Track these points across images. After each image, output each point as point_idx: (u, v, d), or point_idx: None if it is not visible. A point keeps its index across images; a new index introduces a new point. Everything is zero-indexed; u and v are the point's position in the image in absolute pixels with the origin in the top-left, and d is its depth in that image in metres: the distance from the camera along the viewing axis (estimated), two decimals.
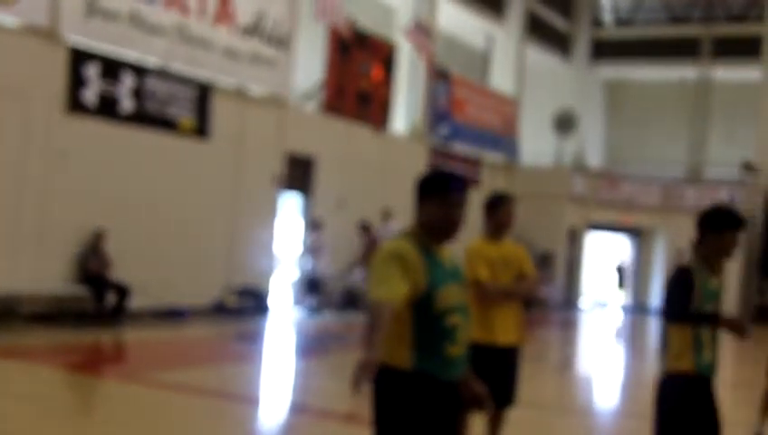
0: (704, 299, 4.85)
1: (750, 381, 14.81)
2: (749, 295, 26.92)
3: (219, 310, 16.07)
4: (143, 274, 14.35)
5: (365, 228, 18.78)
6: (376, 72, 20.30)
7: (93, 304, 13.68)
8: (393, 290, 3.66)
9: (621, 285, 29.77)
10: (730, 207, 5.09)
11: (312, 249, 18.42)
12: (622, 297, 29.60)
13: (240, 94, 16.70)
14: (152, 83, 14.75)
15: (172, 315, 14.87)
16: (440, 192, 3.93)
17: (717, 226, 4.94)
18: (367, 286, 3.77)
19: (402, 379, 3.78)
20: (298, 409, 9.28)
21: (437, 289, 3.81)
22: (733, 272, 26.82)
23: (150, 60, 14.81)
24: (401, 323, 3.76)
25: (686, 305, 4.79)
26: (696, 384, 4.89)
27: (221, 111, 16.08)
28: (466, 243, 6.05)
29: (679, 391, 4.88)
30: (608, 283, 29.68)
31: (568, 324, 22.93)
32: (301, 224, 18.95)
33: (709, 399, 4.92)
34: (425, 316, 3.79)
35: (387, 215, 19.44)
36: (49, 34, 13.23)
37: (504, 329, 6.19)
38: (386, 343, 3.67)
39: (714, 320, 4.80)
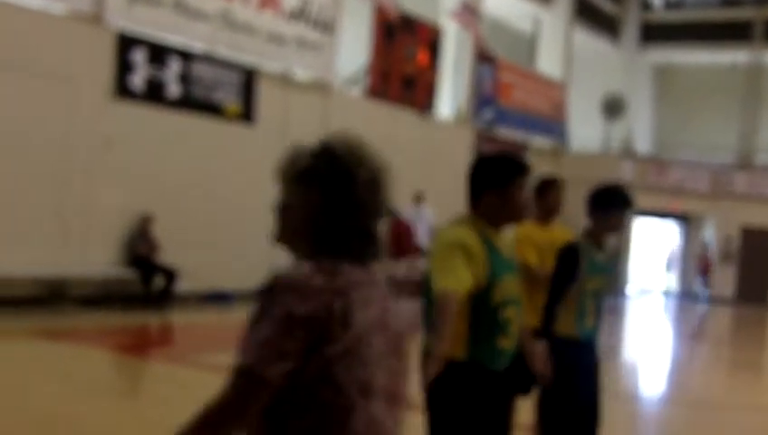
0: (588, 273, 5.18)
1: (752, 363, 14.59)
2: None
3: None
4: (190, 257, 14.44)
5: (392, 214, 18.70)
6: (421, 56, 20.19)
7: (141, 288, 13.81)
8: (459, 280, 3.60)
9: (667, 271, 29.50)
10: (618, 187, 5.39)
11: None
12: (670, 284, 29.29)
13: (285, 79, 16.71)
14: (198, 68, 14.81)
15: (219, 299, 14.96)
16: (503, 178, 3.84)
17: (605, 204, 5.24)
18: (430, 274, 3.70)
19: (456, 369, 3.73)
20: None
21: (497, 280, 3.74)
22: None
23: (196, 45, 14.87)
24: (458, 315, 3.70)
25: (562, 286, 5.14)
26: (577, 347, 5.21)
27: (266, 95, 16.10)
28: (516, 228, 5.97)
29: (562, 353, 5.08)
30: (656, 269, 29.39)
31: (615, 311, 22.75)
32: None
33: (590, 361, 5.28)
34: (482, 308, 3.73)
35: (419, 198, 19.35)
36: (95, 20, 13.32)
37: None
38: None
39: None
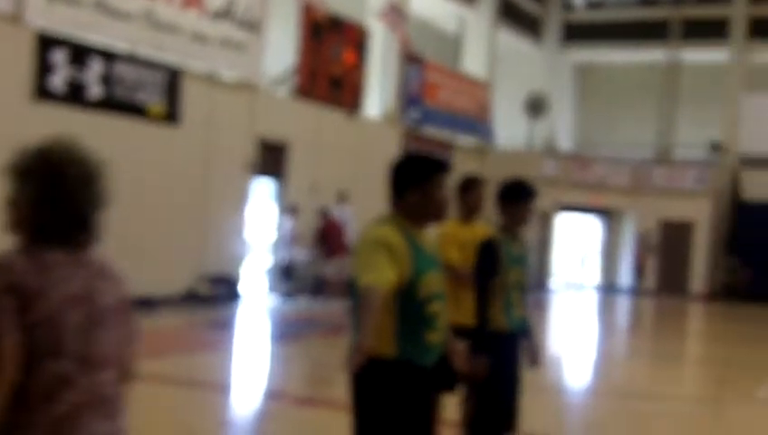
0: (508, 266, 5.39)
1: (715, 358, 14.99)
2: (716, 273, 27.20)
3: (191, 298, 16.00)
4: (114, 263, 14.23)
5: (323, 214, 18.81)
6: (348, 57, 20.23)
7: None
8: (382, 276, 3.65)
9: (583, 266, 30.04)
10: (524, 181, 5.58)
11: (287, 235, 18.39)
12: (592, 277, 29.81)
13: (211, 79, 16.60)
14: (121, 69, 14.62)
15: (142, 304, 14.77)
16: (424, 176, 3.92)
17: (513, 197, 5.47)
18: (354, 273, 3.75)
19: (385, 367, 3.78)
20: (273, 395, 9.28)
21: (421, 276, 3.81)
22: (700, 250, 27.11)
23: (118, 45, 14.67)
24: (384, 313, 3.76)
25: (487, 281, 5.33)
26: (509, 339, 5.43)
27: (191, 96, 15.97)
28: (439, 226, 6.06)
29: (496, 347, 5.29)
30: (573, 265, 29.89)
31: (539, 305, 23.06)
32: (274, 210, 18.90)
33: (514, 352, 5.49)
34: (408, 304, 3.80)
35: (343, 198, 19.43)
36: (14, 20, 13.07)
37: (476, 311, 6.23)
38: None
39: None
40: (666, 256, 27.76)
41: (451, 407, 6.52)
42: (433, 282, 3.88)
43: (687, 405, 10.03)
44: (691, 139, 29.30)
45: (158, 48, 15.30)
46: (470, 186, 6.36)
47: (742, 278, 25.63)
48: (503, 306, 5.42)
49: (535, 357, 5.72)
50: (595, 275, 29.92)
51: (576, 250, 30.08)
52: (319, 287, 18.77)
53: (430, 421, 4.01)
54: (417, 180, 3.90)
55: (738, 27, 28.63)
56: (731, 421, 9.11)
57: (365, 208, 18.12)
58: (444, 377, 4.44)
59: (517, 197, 5.49)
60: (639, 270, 27.73)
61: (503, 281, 5.39)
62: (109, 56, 14.40)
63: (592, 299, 26.45)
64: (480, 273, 5.43)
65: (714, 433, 8.42)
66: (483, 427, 5.54)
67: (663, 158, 29.50)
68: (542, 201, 26.25)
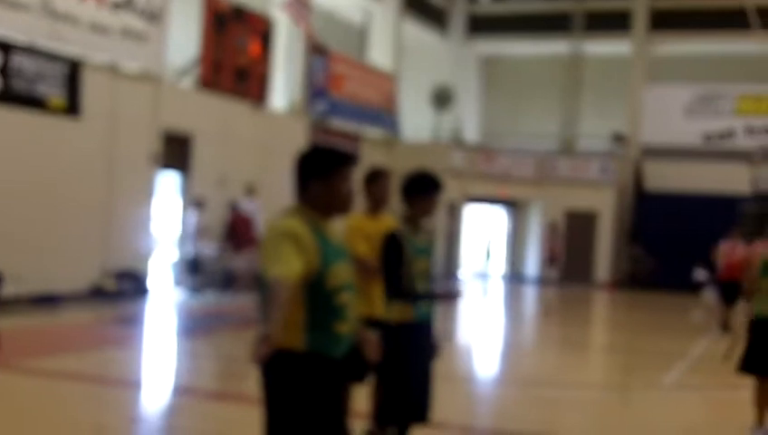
0: (413, 256, 5.46)
1: (620, 346, 15.36)
2: (620, 263, 27.85)
3: (97, 294, 15.70)
4: (14, 259, 13.86)
5: (232, 207, 18.68)
6: (253, 48, 20.06)
7: None
8: (290, 267, 3.63)
9: (488, 257, 30.46)
10: (429, 173, 5.64)
11: (193, 229, 18.17)
12: (499, 267, 30.22)
13: (112, 71, 16.27)
14: (19, 61, 14.22)
15: (47, 301, 14.45)
16: (328, 168, 3.92)
17: (418, 190, 5.54)
18: (261, 266, 3.73)
19: (295, 360, 3.77)
20: (182, 390, 9.17)
21: (329, 267, 3.81)
22: (605, 240, 27.74)
23: (16, 37, 14.26)
24: (293, 304, 3.74)
25: (400, 280, 5.40)
26: (414, 331, 5.51)
27: (92, 88, 15.63)
28: (345, 219, 6.06)
29: (400, 338, 5.42)
30: (480, 255, 30.28)
31: (448, 296, 23.28)
32: (180, 203, 18.65)
33: (426, 343, 5.60)
34: (316, 296, 3.79)
35: (251, 190, 19.31)
36: None
37: (384, 303, 6.26)
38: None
39: (431, 296, 5.62)
40: (570, 245, 28.33)
41: (361, 398, 6.54)
42: (341, 273, 3.88)
43: (595, 392, 10.25)
44: (595, 130, 29.93)
45: (56, 39, 14.92)
46: (376, 178, 6.38)
47: (645, 267, 26.29)
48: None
49: (437, 347, 5.77)
50: (501, 265, 30.34)
51: (482, 241, 30.45)
52: (227, 281, 18.61)
53: (341, 413, 4.01)
54: (321, 173, 3.90)
55: (640, 19, 29.32)
56: (638, 408, 9.33)
57: (273, 202, 18.05)
58: (354, 368, 4.45)
59: (422, 189, 5.54)
60: (550, 259, 28.21)
61: (408, 272, 5.43)
62: (6, 48, 13.99)
63: (499, 289, 26.81)
64: (386, 265, 5.48)
65: (622, 419, 8.62)
66: (389, 417, 5.58)
67: (567, 149, 30.07)
68: (449, 193, 26.55)
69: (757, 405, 7.41)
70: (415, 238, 5.55)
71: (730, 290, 18.34)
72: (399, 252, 5.44)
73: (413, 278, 5.46)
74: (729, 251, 18.32)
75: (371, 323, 5.83)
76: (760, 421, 7.40)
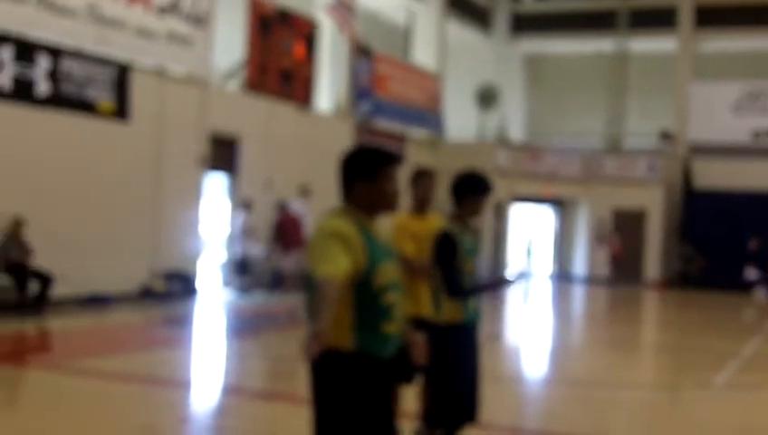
0: (464, 257, 5.45)
1: (671, 346, 15.19)
2: (670, 262, 27.53)
3: (146, 295, 15.87)
4: (65, 261, 14.08)
5: (281, 208, 18.75)
6: (298, 50, 20.15)
7: (15, 294, 13.38)
8: (338, 266, 3.64)
9: (530, 255, 30.21)
10: (478, 173, 5.64)
11: (240, 230, 18.29)
12: (546, 267, 30.02)
13: (160, 74, 16.44)
14: (68, 65, 14.43)
15: (97, 302, 14.64)
16: (373, 168, 3.92)
17: (468, 190, 5.55)
18: (309, 265, 3.74)
19: (343, 360, 3.78)
20: (231, 390, 9.23)
21: (376, 267, 3.81)
22: (654, 239, 27.45)
23: (64, 42, 14.46)
24: (342, 304, 3.75)
25: (460, 277, 5.39)
26: (463, 331, 5.53)
27: (140, 92, 15.81)
28: (392, 218, 6.06)
29: (451, 338, 5.48)
30: (522, 255, 30.06)
31: (495, 296, 23.20)
32: (227, 204, 18.79)
33: (474, 343, 5.59)
34: (364, 295, 3.79)
35: (305, 192, 19.41)
36: None
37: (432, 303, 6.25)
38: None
39: (486, 287, 5.83)
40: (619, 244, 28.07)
41: (410, 399, 6.53)
42: (388, 272, 3.88)
43: (645, 392, 10.13)
44: (641, 128, 29.63)
45: (103, 44, 15.10)
46: (421, 178, 6.38)
47: (695, 266, 25.96)
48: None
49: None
50: (549, 265, 30.14)
51: (528, 240, 30.26)
52: (276, 281, 18.71)
53: (390, 413, 4.01)
54: (366, 173, 3.90)
55: (685, 16, 28.98)
56: (689, 408, 9.22)
57: (319, 203, 18.11)
58: (402, 369, 4.44)
59: (471, 189, 5.55)
60: (616, 258, 27.75)
61: (461, 271, 5.43)
62: (56, 53, 14.20)
63: (547, 288, 26.65)
64: (442, 263, 5.45)
65: (672, 420, 8.51)
66: (439, 418, 5.58)
67: (614, 147, 29.80)
68: (496, 192, 26.46)
69: None
70: (463, 238, 5.54)
71: None
72: (454, 250, 5.43)
73: (463, 278, 5.45)
74: None
75: (419, 323, 5.83)
76: None
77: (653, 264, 27.56)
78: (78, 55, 14.63)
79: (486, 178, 5.64)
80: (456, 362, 5.44)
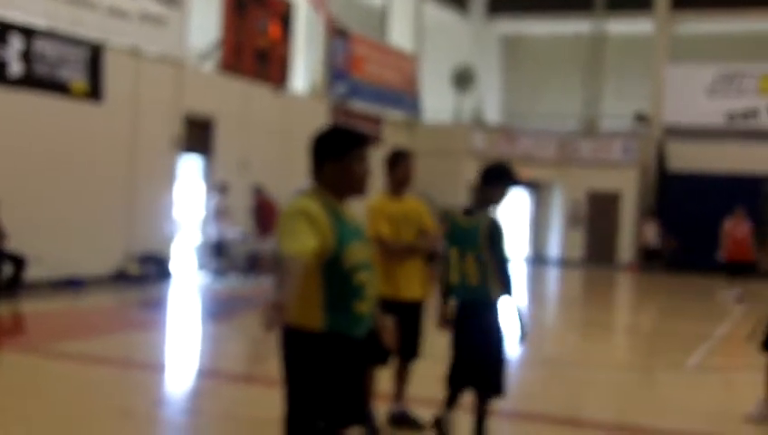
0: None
1: (644, 328, 15.30)
2: (644, 240, 27.65)
3: (121, 278, 15.80)
4: (39, 243, 13.98)
5: (256, 191, 18.64)
6: (273, 30, 20.04)
7: None
8: (304, 244, 3.65)
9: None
10: (505, 164, 6.13)
11: (216, 212, 18.21)
12: (521, 249, 30.10)
13: (134, 54, 16.30)
14: (41, 46, 14.28)
15: (71, 285, 14.55)
16: (344, 149, 3.91)
17: (488, 180, 6.00)
18: (276, 243, 3.74)
19: (314, 340, 3.79)
20: (206, 373, 9.22)
21: (345, 247, 3.82)
22: (628, 220, 27.60)
23: (38, 22, 14.31)
24: (311, 284, 3.76)
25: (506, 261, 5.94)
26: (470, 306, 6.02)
27: (114, 72, 15.68)
28: (368, 200, 6.06)
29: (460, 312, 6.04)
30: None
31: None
32: (202, 187, 18.69)
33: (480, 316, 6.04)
34: (334, 275, 3.80)
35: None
36: None
37: (408, 284, 6.27)
38: (296, 304, 3.65)
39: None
40: (593, 226, 28.20)
41: (385, 380, 6.56)
42: (358, 252, 3.88)
43: (618, 374, 10.22)
44: (617, 110, 29.70)
45: (77, 24, 14.95)
46: (397, 159, 6.37)
47: (666, 247, 26.06)
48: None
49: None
50: (524, 247, 30.21)
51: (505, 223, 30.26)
52: (251, 264, 18.66)
53: (361, 393, 4.02)
54: (336, 154, 3.90)
55: None
56: (663, 389, 9.30)
57: (294, 184, 18.04)
58: (376, 350, 4.46)
59: (494, 179, 5.99)
60: (648, 247, 26.46)
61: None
62: (29, 33, 14.05)
63: (522, 270, 26.74)
64: (498, 253, 5.90)
65: (647, 400, 8.58)
66: (451, 382, 6.07)
67: (590, 129, 29.87)
68: (470, 174, 26.38)
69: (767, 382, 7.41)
70: (460, 222, 6.00)
71: (735, 268, 18.29)
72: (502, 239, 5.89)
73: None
74: (731, 229, 18.25)
75: (394, 303, 5.85)
76: None
77: (627, 246, 27.71)
78: (51, 35, 14.48)
79: (509, 169, 6.07)
80: (460, 332, 6.02)
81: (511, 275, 5.93)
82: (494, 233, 5.85)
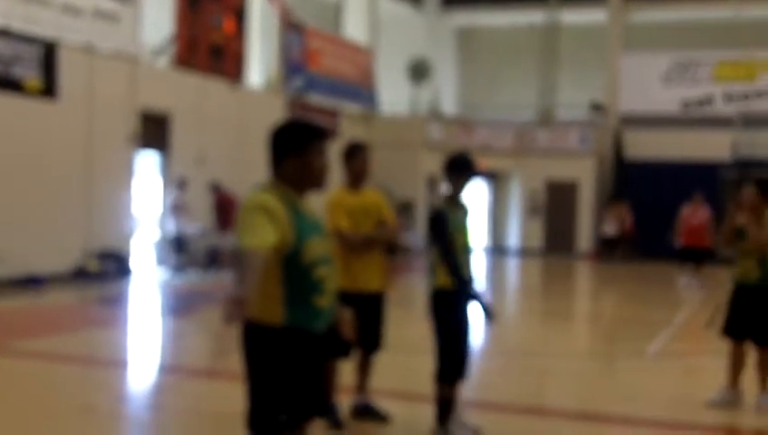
0: (455, 233, 6.01)
1: (604, 315, 15.48)
2: (601, 230, 27.90)
3: (80, 275, 15.68)
4: None
5: (214, 188, 18.54)
6: (228, 25, 19.96)
7: None
8: (264, 238, 3.66)
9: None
10: (466, 155, 6.34)
11: (174, 208, 18.12)
12: (480, 240, 30.24)
13: (88, 51, 16.16)
14: None
15: (30, 283, 14.42)
16: (303, 143, 3.93)
17: (456, 169, 6.15)
18: (237, 238, 3.75)
19: (274, 335, 3.81)
20: (168, 369, 9.20)
21: (304, 242, 3.83)
22: (586, 208, 27.84)
23: None
24: (270, 279, 3.77)
25: (453, 256, 5.98)
26: (456, 295, 6.08)
27: (69, 69, 15.54)
28: (326, 194, 6.09)
29: (448, 301, 6.09)
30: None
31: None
32: (160, 182, 18.59)
33: (467, 304, 6.17)
34: (293, 270, 3.82)
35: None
36: None
37: (368, 276, 6.30)
38: (256, 299, 3.67)
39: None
40: (552, 216, 28.41)
41: (347, 373, 6.60)
42: (317, 247, 3.90)
43: (580, 362, 10.33)
44: (573, 100, 29.90)
45: (29, 22, 14.80)
46: (354, 152, 6.40)
47: (629, 236, 26.22)
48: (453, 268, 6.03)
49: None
50: (483, 238, 30.35)
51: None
52: (211, 260, 18.60)
53: (322, 387, 4.05)
54: (295, 148, 3.91)
55: None
56: (624, 376, 9.43)
57: (251, 179, 17.96)
58: (337, 343, 4.49)
59: (458, 169, 6.14)
60: (625, 235, 26.04)
61: (451, 246, 5.98)
62: None
63: (481, 260, 26.89)
64: (437, 240, 5.99)
65: (608, 388, 8.71)
66: (440, 374, 6.08)
67: (546, 119, 30.06)
68: (427, 166, 26.49)
69: (731, 369, 7.50)
70: (456, 215, 6.09)
71: (690, 255, 18.46)
72: (443, 227, 5.98)
73: (455, 252, 5.98)
74: (689, 216, 18.45)
75: (353, 296, 5.88)
76: (733, 384, 7.49)
77: (585, 235, 27.96)
78: (4, 33, 14.32)
79: (468, 158, 6.27)
80: (453, 323, 6.11)
81: (455, 266, 6.02)
82: (432, 223, 6.07)
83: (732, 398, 7.46)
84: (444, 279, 6.01)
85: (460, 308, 6.13)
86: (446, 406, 6.12)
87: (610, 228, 25.73)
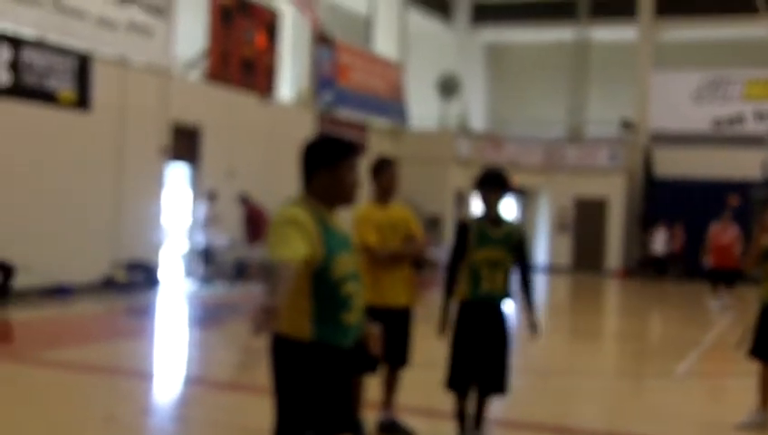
0: (476, 245, 6.06)
1: (633, 334, 15.36)
2: (631, 248, 27.76)
3: (108, 285, 15.78)
4: (27, 251, 13.96)
5: (243, 200, 18.61)
6: (260, 40, 20.08)
7: None
8: (295, 251, 3.66)
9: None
10: (493, 170, 6.27)
11: (204, 220, 18.21)
12: None
13: (121, 64, 16.32)
14: (29, 55, 14.28)
15: (58, 293, 14.53)
16: (333, 159, 3.93)
17: (480, 184, 6.17)
18: (268, 251, 3.75)
19: (302, 350, 3.80)
20: (194, 381, 9.23)
21: (333, 257, 3.83)
22: (615, 226, 27.69)
23: (26, 31, 14.32)
24: (299, 294, 3.77)
25: (453, 260, 6.15)
26: (472, 306, 6.12)
27: (102, 82, 15.69)
28: (354, 208, 6.10)
29: (459, 312, 6.16)
30: None
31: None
32: (190, 195, 18.70)
33: (485, 316, 6.17)
34: (322, 285, 3.81)
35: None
36: None
37: (395, 291, 6.28)
38: (285, 313, 3.67)
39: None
40: (580, 233, 28.26)
41: (374, 388, 6.58)
42: (346, 263, 3.90)
43: (608, 381, 10.25)
44: (602, 116, 29.81)
45: (65, 34, 14.98)
46: (383, 167, 6.39)
47: (678, 255, 25.95)
48: (469, 280, 6.08)
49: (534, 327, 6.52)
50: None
51: None
52: (239, 272, 18.66)
53: (349, 403, 4.04)
54: (327, 163, 3.91)
55: (646, 5, 29.17)
56: (652, 396, 9.33)
57: (281, 192, 18.05)
58: (364, 359, 4.48)
59: (491, 184, 6.10)
60: (676, 254, 26.01)
61: (470, 258, 6.04)
62: (17, 43, 14.05)
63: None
64: (451, 250, 6.17)
65: (636, 408, 8.63)
66: (449, 382, 6.16)
67: (575, 136, 29.97)
68: (456, 181, 26.45)
69: (761, 390, 7.40)
70: (487, 229, 6.08)
71: (720, 276, 18.00)
72: (463, 237, 6.09)
73: (476, 265, 6.05)
74: (718, 234, 17.96)
75: (381, 311, 5.87)
76: (763, 406, 7.38)
77: (615, 252, 27.79)
78: (39, 45, 14.50)
79: (498, 173, 6.20)
80: (460, 332, 6.08)
81: (447, 267, 6.25)
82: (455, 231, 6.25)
83: (762, 420, 7.36)
84: (462, 290, 6.08)
85: (472, 319, 6.09)
86: (458, 419, 6.18)
87: (660, 247, 25.51)
